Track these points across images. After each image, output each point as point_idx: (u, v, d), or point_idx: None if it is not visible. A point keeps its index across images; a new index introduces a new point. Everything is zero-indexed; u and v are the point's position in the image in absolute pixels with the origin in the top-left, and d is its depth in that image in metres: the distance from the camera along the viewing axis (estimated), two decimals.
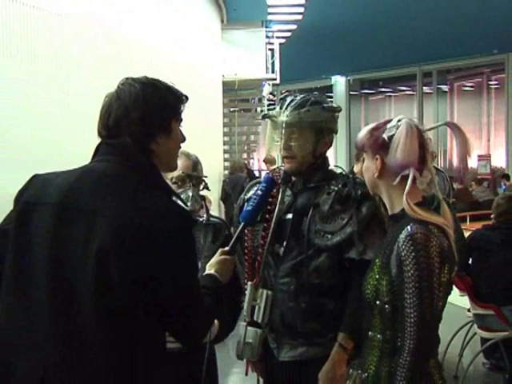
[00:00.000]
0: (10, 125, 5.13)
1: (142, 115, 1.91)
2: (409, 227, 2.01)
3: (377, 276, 2.08)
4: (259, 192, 2.69)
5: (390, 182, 2.13)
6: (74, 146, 5.46)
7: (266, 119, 2.83)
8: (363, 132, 2.20)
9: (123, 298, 1.74)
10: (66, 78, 6.09)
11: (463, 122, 19.20)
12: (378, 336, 2.09)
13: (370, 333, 2.13)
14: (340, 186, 2.70)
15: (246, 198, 2.88)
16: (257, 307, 2.71)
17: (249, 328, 2.71)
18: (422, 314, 1.95)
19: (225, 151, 14.45)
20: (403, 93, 21.89)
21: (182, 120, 2.04)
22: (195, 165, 3.06)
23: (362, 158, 5.09)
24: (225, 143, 14.61)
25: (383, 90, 22.27)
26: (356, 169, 5.03)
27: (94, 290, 1.73)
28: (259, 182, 2.88)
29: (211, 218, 3.09)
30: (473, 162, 17.54)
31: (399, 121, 2.13)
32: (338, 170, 2.89)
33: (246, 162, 13.54)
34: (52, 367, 1.78)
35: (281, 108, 2.75)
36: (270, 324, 2.73)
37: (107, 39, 7.28)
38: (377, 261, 2.12)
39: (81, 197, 1.83)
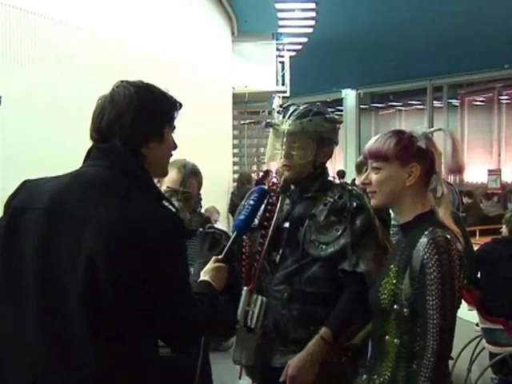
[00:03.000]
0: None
1: (135, 119, 1.89)
2: (427, 232, 2.05)
3: (394, 281, 2.10)
4: (251, 202, 2.72)
5: (418, 190, 2.18)
6: (70, 145, 5.53)
7: (269, 127, 2.86)
8: (385, 142, 2.20)
9: (113, 303, 1.73)
10: (68, 82, 6.19)
11: (474, 137, 19.13)
12: (395, 341, 2.10)
13: (386, 337, 2.13)
14: (336, 197, 2.74)
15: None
16: (250, 312, 2.72)
17: (246, 333, 2.73)
18: (445, 315, 1.99)
19: (234, 163, 14.46)
20: (413, 107, 21.87)
21: (175, 127, 2.01)
22: (184, 179, 2.93)
23: (366, 168, 5.12)
24: (234, 155, 14.63)
25: (393, 104, 22.24)
26: (357, 181, 5.03)
27: (84, 297, 1.72)
28: None
29: (216, 230, 3.08)
30: (483, 177, 17.49)
31: (426, 129, 2.22)
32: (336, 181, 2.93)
33: (256, 174, 13.54)
34: (42, 374, 1.77)
35: (283, 117, 2.78)
36: (263, 330, 2.74)
37: (115, 49, 7.33)
38: (392, 266, 2.14)
39: (70, 202, 1.81)
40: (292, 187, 2.84)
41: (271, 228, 2.78)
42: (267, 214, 2.80)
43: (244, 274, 2.81)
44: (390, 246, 2.72)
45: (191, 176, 2.96)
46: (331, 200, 2.73)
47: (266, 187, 2.90)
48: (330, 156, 2.84)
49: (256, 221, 2.80)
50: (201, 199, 3.06)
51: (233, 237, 2.57)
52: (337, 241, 2.68)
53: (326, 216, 2.72)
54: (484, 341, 5.28)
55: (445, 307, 1.99)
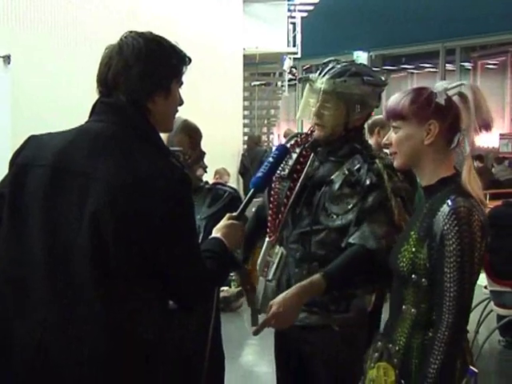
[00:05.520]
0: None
1: (143, 71, 1.85)
2: (449, 201, 1.98)
3: (413, 249, 2.06)
4: (271, 159, 2.64)
5: (440, 149, 2.08)
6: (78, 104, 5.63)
7: (304, 82, 2.76)
8: (401, 100, 2.11)
9: (118, 260, 1.72)
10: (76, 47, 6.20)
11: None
12: (412, 310, 2.08)
13: (403, 306, 2.11)
14: (354, 168, 2.65)
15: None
16: (270, 263, 2.70)
17: (268, 283, 2.71)
18: (462, 288, 1.94)
19: (244, 125, 14.41)
20: (426, 70, 21.66)
21: (182, 83, 1.97)
22: (170, 137, 2.79)
23: (378, 129, 4.99)
24: (245, 117, 14.57)
25: (405, 66, 22.03)
26: (371, 141, 4.98)
27: (89, 252, 1.72)
28: (297, 135, 2.85)
29: (222, 187, 3.04)
30: (494, 141, 17.40)
31: (448, 85, 2.09)
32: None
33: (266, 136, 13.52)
34: (50, 329, 1.77)
35: (320, 73, 2.67)
36: (277, 283, 2.72)
37: (123, 14, 7.29)
38: (412, 233, 2.08)
39: (75, 158, 1.80)
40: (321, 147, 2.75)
41: (298, 183, 2.72)
42: (298, 166, 2.73)
43: (269, 223, 2.77)
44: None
45: (178, 132, 2.86)
46: (347, 172, 2.65)
47: (292, 142, 2.82)
48: (366, 120, 2.76)
49: (286, 170, 2.75)
50: (203, 153, 3.01)
51: (249, 194, 2.50)
52: (345, 215, 2.62)
53: (340, 186, 2.65)
54: (492, 303, 5.31)
55: (463, 280, 1.94)
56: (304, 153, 2.77)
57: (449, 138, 2.08)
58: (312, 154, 2.75)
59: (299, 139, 2.82)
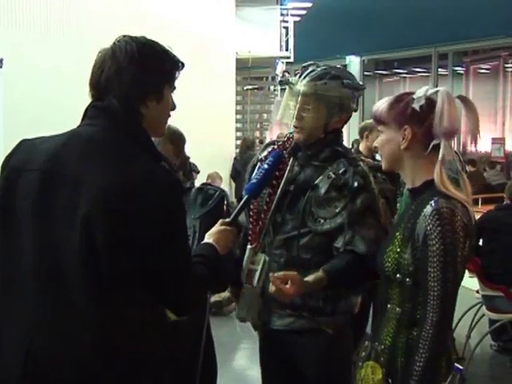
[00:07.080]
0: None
1: (135, 76, 1.85)
2: (433, 202, 2.02)
3: (398, 249, 2.10)
4: (266, 166, 2.67)
5: (418, 153, 2.13)
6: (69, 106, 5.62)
7: (284, 85, 2.78)
8: (382, 105, 2.18)
9: (109, 264, 1.72)
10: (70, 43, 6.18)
11: (478, 106, 18.62)
12: (397, 309, 2.12)
13: (388, 305, 2.15)
14: (340, 171, 2.66)
15: (260, 157, 2.85)
16: (253, 270, 2.69)
17: (252, 291, 2.70)
18: (446, 287, 1.98)
19: (237, 129, 14.41)
20: (418, 74, 21.72)
21: (175, 88, 1.98)
22: None
23: (366, 134, 5.03)
24: (237, 121, 14.57)
25: (398, 71, 22.09)
26: (361, 146, 4.99)
27: (80, 257, 1.71)
28: (273, 143, 2.84)
29: (212, 187, 3.05)
30: (486, 146, 17.45)
31: (428, 90, 2.12)
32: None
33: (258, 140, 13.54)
34: (41, 332, 1.77)
35: (300, 76, 2.69)
36: (262, 290, 2.70)
37: (117, 13, 7.29)
38: (397, 234, 2.12)
39: (67, 162, 1.79)
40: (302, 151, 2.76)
41: (279, 189, 2.72)
42: (277, 173, 2.73)
43: (250, 231, 2.77)
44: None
45: (162, 141, 2.86)
46: (333, 176, 2.65)
47: (269, 149, 2.82)
48: (345, 123, 2.77)
49: None
50: (187, 158, 3.01)
51: (243, 201, 2.52)
52: (334, 218, 2.62)
53: (327, 190, 2.64)
54: (484, 307, 5.32)
55: (446, 280, 1.98)
56: (282, 159, 2.76)
57: (426, 144, 2.12)
58: (291, 160, 2.76)
59: (276, 146, 2.82)
